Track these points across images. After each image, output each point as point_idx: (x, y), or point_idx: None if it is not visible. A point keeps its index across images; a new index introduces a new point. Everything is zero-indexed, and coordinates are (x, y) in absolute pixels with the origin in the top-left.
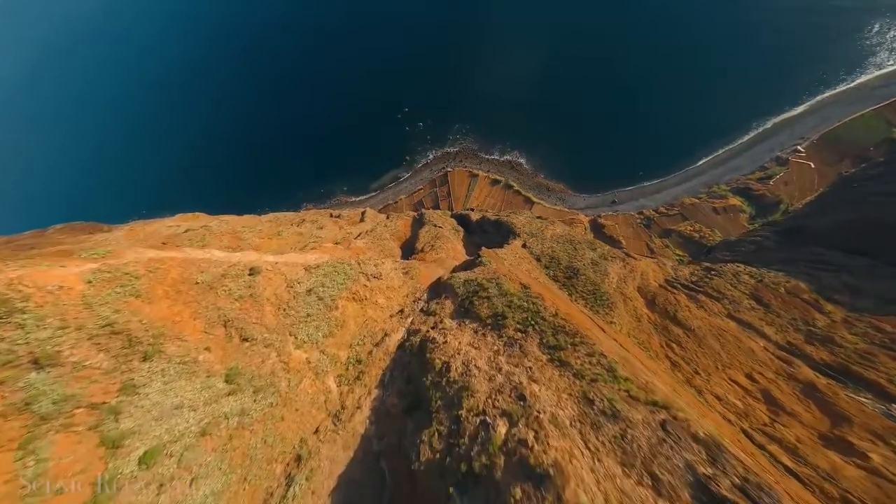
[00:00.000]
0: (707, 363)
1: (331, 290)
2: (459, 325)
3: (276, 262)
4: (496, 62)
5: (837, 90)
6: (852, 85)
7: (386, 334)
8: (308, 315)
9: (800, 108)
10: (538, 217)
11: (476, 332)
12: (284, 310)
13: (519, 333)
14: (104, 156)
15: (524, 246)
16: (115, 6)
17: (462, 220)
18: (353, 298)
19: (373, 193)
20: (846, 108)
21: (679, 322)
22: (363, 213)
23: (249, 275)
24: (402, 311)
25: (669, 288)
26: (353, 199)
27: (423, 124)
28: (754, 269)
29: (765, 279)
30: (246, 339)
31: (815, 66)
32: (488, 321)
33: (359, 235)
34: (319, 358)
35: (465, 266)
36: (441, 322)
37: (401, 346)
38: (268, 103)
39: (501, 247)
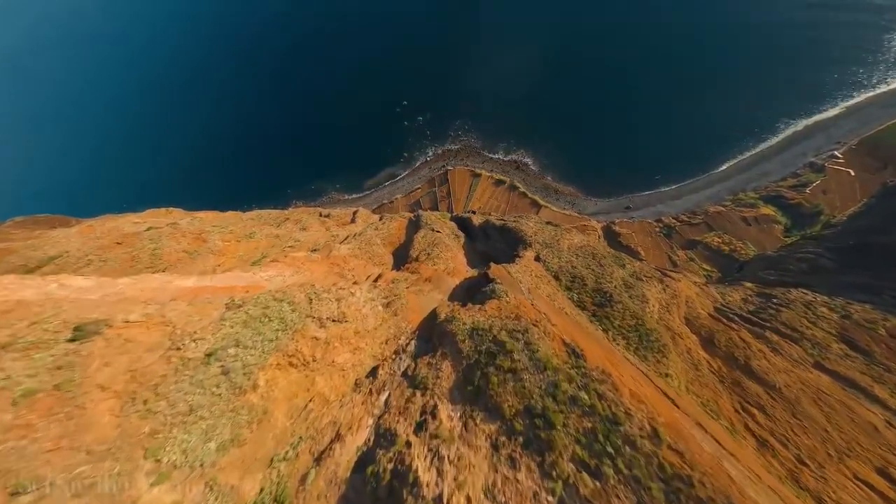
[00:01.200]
0: (812, 445)
1: (250, 351)
2: (466, 428)
3: (194, 288)
4: (502, 55)
5: (876, 92)
6: (893, 86)
7: (338, 434)
8: (192, 409)
9: (834, 110)
10: (548, 223)
11: (497, 450)
12: (144, 402)
13: (586, 475)
14: (102, 152)
15: (538, 259)
16: (112, 5)
17: (463, 224)
18: (291, 363)
19: (367, 192)
20: (886, 110)
21: (755, 374)
22: (355, 213)
23: (71, 340)
24: (374, 372)
25: (725, 321)
26: (346, 197)
27: (422, 119)
28: (827, 298)
29: (853, 315)
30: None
31: (851, 65)
32: (517, 425)
33: (345, 239)
34: (200, 501)
35: (470, 288)
36: (433, 415)
37: (359, 468)
38: (261, 97)
39: (512, 260)
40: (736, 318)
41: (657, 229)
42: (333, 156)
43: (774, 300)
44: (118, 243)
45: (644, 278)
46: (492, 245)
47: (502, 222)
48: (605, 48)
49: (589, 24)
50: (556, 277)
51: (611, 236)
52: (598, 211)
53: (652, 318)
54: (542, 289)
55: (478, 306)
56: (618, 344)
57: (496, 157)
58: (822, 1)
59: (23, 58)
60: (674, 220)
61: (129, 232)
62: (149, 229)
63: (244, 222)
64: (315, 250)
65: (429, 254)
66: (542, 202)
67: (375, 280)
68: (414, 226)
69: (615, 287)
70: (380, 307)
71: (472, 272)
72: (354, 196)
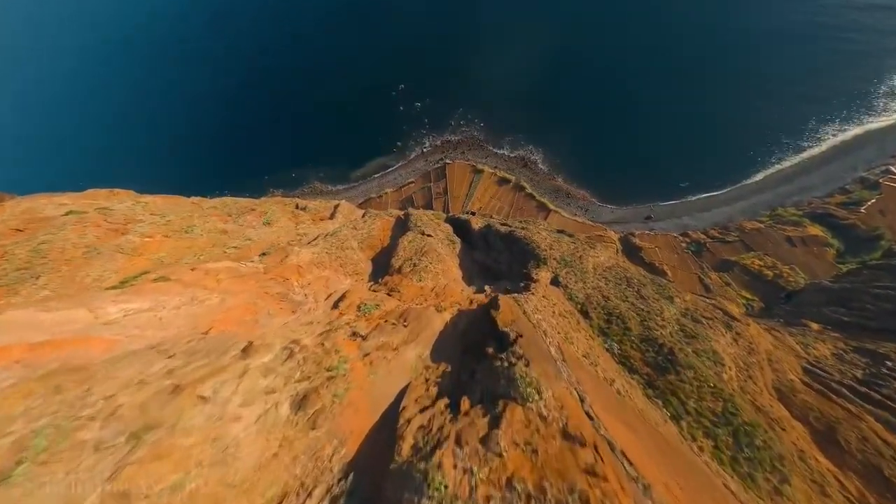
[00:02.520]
0: None
1: None
2: None
3: None
4: (513, 41)
5: None
6: None
7: None
8: None
9: (889, 119)
10: (559, 231)
11: None
12: None
13: None
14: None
15: (556, 282)
16: None
17: (460, 227)
18: None
19: (354, 184)
20: None
21: None
22: (336, 207)
23: None
24: None
25: (833, 395)
26: (330, 188)
27: (420, 105)
28: None
29: None
30: None
31: None
32: None
33: (314, 240)
34: None
35: (468, 336)
36: None
37: None
38: (241, 69)
39: (522, 282)
40: (845, 391)
41: (683, 245)
42: (318, 141)
43: (889, 363)
44: (19, 230)
45: (703, 319)
46: (494, 256)
47: (507, 228)
48: (628, 39)
49: (613, 11)
50: (584, 313)
51: (630, 250)
52: (614, 220)
53: (731, 387)
54: (576, 342)
55: (491, 429)
56: (701, 448)
57: (501, 152)
58: (881, 3)
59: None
60: (703, 236)
61: (44, 216)
62: (68, 213)
63: (194, 211)
64: (265, 254)
65: (415, 264)
66: (551, 206)
67: (338, 302)
68: (401, 226)
69: (671, 335)
70: (282, 411)
71: (469, 293)
72: (339, 188)
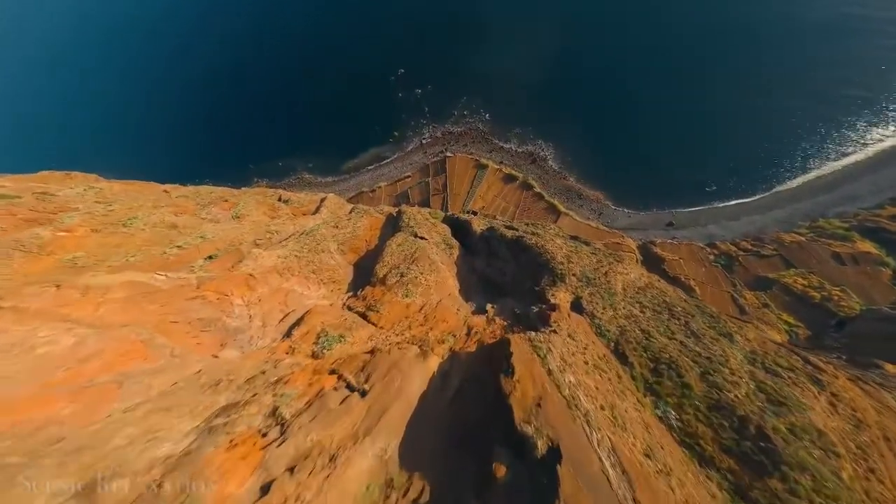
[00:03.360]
0: None
1: None
2: None
3: None
4: (524, 23)
5: None
6: None
7: None
8: None
9: None
10: (573, 238)
11: None
12: None
13: None
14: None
15: (579, 308)
16: None
17: (459, 229)
18: None
19: (345, 176)
20: None
21: None
22: (322, 201)
23: None
24: None
25: None
26: (320, 179)
27: (421, 92)
28: None
29: None
30: None
31: None
32: None
33: (286, 239)
34: None
35: (465, 383)
36: None
37: None
38: (230, 46)
39: (536, 308)
40: None
41: (711, 257)
42: (309, 128)
43: None
44: None
45: (780, 370)
46: (498, 266)
47: (514, 233)
48: (652, 25)
49: None
50: (621, 355)
51: (651, 261)
52: (630, 225)
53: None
54: (629, 425)
55: None
56: None
57: (508, 146)
58: None
59: None
60: (733, 248)
61: None
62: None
63: (159, 200)
64: (213, 257)
65: (402, 274)
66: (561, 208)
67: (294, 326)
68: (392, 226)
69: (749, 399)
70: None
71: (467, 314)
72: (329, 179)
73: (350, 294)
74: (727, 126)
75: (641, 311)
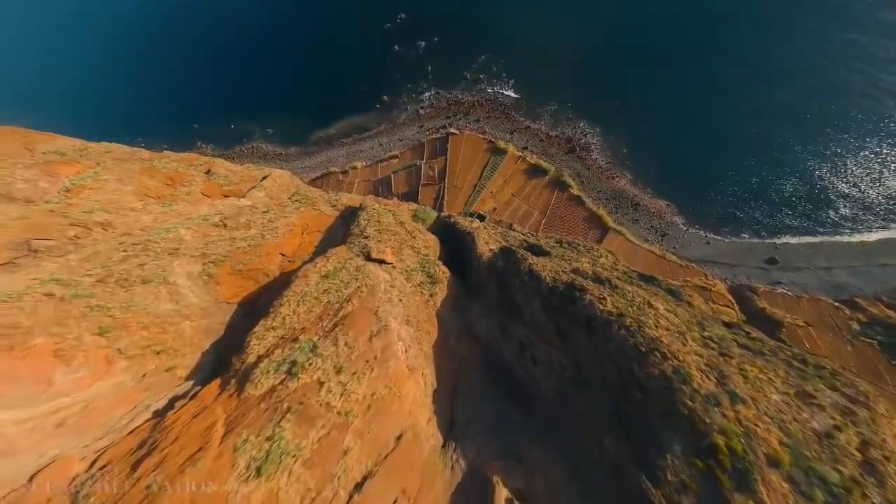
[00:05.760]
0: None
1: None
2: None
3: None
4: None
5: None
6: None
7: None
8: None
9: None
10: (651, 280)
11: None
12: None
13: None
14: None
15: None
16: None
17: (453, 242)
18: None
19: (313, 148)
20: None
21: None
22: (263, 180)
23: None
24: None
25: None
26: (280, 150)
27: (424, 45)
28: None
29: None
30: None
31: None
32: None
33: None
34: None
35: None
36: None
37: None
38: None
39: None
40: None
41: (854, 325)
42: (274, 84)
43: None
44: None
45: None
46: (522, 342)
47: (563, 278)
48: None
49: None
50: None
51: (754, 318)
52: (708, 257)
53: None
54: None
55: None
56: None
57: (536, 126)
58: None
59: None
60: (885, 310)
61: None
62: None
63: None
64: None
65: (292, 368)
66: (610, 221)
67: None
68: (342, 230)
69: None
70: None
71: None
72: (292, 151)
73: (169, 399)
74: (868, 112)
75: None
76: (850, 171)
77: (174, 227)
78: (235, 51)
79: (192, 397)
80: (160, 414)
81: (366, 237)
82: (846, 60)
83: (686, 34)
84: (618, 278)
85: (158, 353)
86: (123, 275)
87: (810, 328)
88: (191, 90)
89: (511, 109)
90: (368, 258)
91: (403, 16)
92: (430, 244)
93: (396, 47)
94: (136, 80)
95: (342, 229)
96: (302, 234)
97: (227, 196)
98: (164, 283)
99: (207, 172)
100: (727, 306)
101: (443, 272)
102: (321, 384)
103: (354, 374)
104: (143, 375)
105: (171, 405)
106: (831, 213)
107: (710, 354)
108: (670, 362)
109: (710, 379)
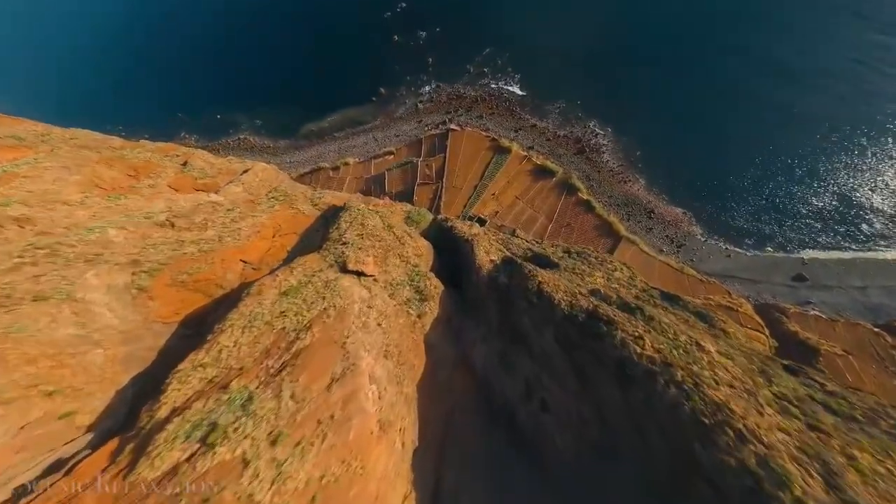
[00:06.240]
0: None
1: None
2: None
3: None
4: None
5: None
6: None
7: None
8: None
9: None
10: (673, 299)
11: None
12: None
13: None
14: None
15: None
16: None
17: (449, 249)
18: None
19: (303, 142)
20: None
21: None
22: (244, 174)
23: None
24: None
25: None
26: (268, 143)
27: (425, 35)
28: None
29: None
30: None
31: None
32: None
33: None
34: None
35: None
36: None
37: None
38: None
39: None
40: None
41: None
42: (264, 73)
43: None
44: None
45: None
46: (538, 376)
47: (582, 306)
48: None
49: None
50: None
51: (787, 343)
52: (729, 271)
53: None
54: None
55: None
56: None
57: (544, 124)
58: None
59: None
60: None
61: None
62: None
63: None
64: None
65: (208, 436)
66: (622, 230)
67: None
68: (320, 233)
69: None
70: None
71: None
72: (281, 144)
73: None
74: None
75: None
76: (885, 184)
77: (101, 226)
78: (225, 37)
79: (68, 472)
80: (20, 494)
81: (344, 243)
82: (880, 65)
83: (707, 32)
84: (639, 298)
85: (50, 394)
86: (6, 290)
87: (850, 357)
88: (176, 77)
89: (516, 106)
90: (344, 269)
91: (404, 4)
92: (423, 251)
93: (396, 37)
94: (117, 65)
95: (321, 232)
96: (273, 236)
97: (199, 190)
98: (68, 301)
99: (184, 164)
100: (757, 330)
101: (435, 287)
102: (246, 464)
103: (298, 445)
104: (22, 427)
105: (45, 474)
106: (864, 227)
107: (797, 429)
108: (752, 447)
109: (813, 478)
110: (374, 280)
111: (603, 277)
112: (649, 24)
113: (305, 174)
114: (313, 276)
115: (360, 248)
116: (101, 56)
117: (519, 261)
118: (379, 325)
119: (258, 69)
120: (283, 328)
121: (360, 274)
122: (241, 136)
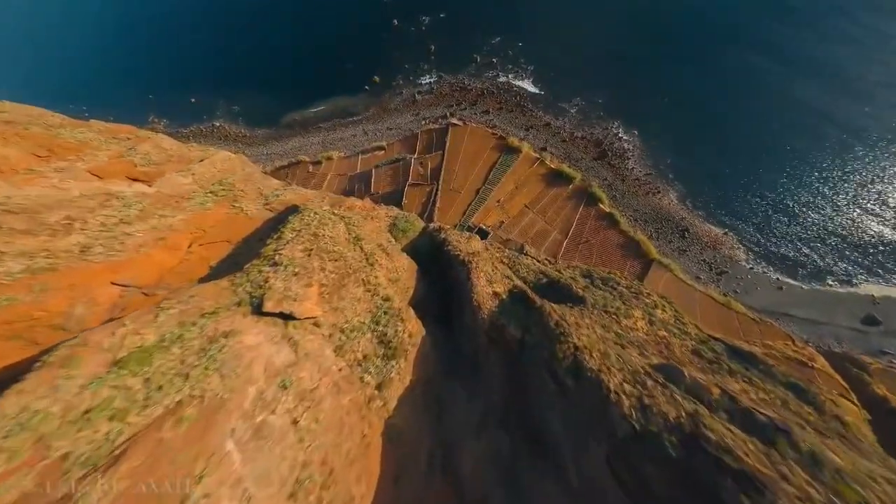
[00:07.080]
0: None
1: None
2: None
3: None
4: None
5: None
6: None
7: None
8: None
9: None
10: (753, 361)
11: None
12: None
13: None
14: None
15: None
16: None
17: (437, 270)
18: None
19: (284, 132)
20: None
21: None
22: (201, 161)
23: None
24: None
25: None
26: (244, 131)
27: (428, 20)
28: None
29: None
30: None
31: None
32: None
33: None
34: None
35: None
36: None
37: None
38: None
39: None
40: None
41: None
42: (247, 54)
43: None
44: None
45: None
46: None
47: (665, 412)
48: None
49: None
50: None
51: (876, 410)
52: (779, 306)
53: None
54: None
55: None
56: None
57: (560, 123)
58: None
59: None
60: None
61: None
62: None
63: None
64: None
65: None
66: (653, 251)
67: None
68: (262, 244)
69: None
70: None
71: None
72: (259, 132)
73: None
74: None
75: None
76: None
77: None
78: (204, 14)
79: None
80: None
81: (275, 264)
82: None
83: (747, 28)
84: (699, 353)
85: None
86: None
87: None
88: (150, 56)
89: (528, 101)
90: (259, 311)
91: None
92: (401, 273)
93: (396, 21)
94: (90, 43)
95: (264, 243)
96: (190, 245)
97: (136, 179)
98: None
99: (132, 148)
100: (842, 395)
101: (410, 333)
102: None
103: None
104: None
105: None
106: None
107: None
108: None
109: None
110: (315, 324)
111: (644, 320)
112: (685, 14)
113: (282, 168)
114: (194, 324)
115: (296, 274)
116: (73, 33)
117: (536, 298)
118: (295, 423)
119: (241, 51)
120: (94, 437)
121: (286, 317)
122: (216, 124)
